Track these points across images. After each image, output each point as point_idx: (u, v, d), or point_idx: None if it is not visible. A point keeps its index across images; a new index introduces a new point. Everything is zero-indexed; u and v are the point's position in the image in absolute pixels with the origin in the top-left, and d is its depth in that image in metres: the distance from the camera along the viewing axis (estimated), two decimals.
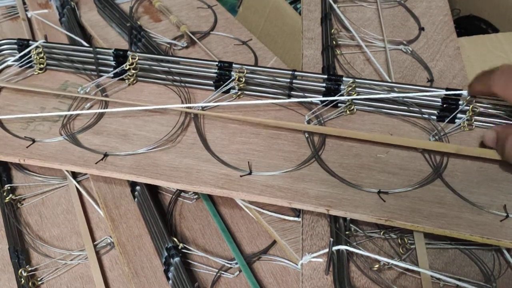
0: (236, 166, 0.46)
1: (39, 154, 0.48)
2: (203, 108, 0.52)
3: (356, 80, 0.51)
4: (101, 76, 0.56)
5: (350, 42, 0.64)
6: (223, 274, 0.47)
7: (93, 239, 0.50)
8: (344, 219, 0.44)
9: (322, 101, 0.52)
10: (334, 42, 0.62)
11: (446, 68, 0.60)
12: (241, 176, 0.45)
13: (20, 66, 0.58)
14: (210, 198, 0.52)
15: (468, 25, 0.89)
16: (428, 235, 0.43)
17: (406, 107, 0.51)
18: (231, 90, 0.54)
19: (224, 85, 0.53)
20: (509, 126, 0.46)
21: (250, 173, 0.45)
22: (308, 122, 0.50)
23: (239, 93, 0.54)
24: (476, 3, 0.89)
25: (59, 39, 0.70)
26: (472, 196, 0.43)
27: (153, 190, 0.52)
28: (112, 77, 0.56)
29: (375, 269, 0.42)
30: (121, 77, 0.56)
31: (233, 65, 0.53)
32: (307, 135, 0.49)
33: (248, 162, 0.46)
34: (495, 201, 0.43)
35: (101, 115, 0.52)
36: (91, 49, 0.56)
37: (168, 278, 0.44)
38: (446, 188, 0.44)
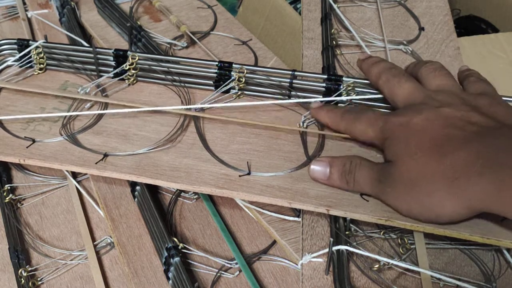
0: (236, 166, 0.46)
1: (39, 154, 0.48)
2: (203, 109, 0.52)
3: (356, 80, 0.51)
4: (101, 76, 0.56)
5: (350, 42, 0.64)
6: (223, 274, 0.47)
7: (93, 239, 0.50)
8: (344, 219, 0.44)
9: (321, 102, 0.52)
10: (334, 42, 0.62)
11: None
12: (239, 176, 0.45)
13: (20, 66, 0.58)
14: (210, 198, 0.52)
15: (468, 25, 0.89)
16: (428, 235, 0.43)
17: None
18: (231, 90, 0.54)
19: (224, 85, 0.53)
20: (333, 159, 0.44)
21: (249, 173, 0.45)
22: (304, 122, 0.50)
23: (239, 93, 0.54)
24: (476, 3, 0.90)
25: (59, 39, 0.70)
26: None
27: (153, 190, 0.52)
28: (112, 77, 0.56)
29: (375, 269, 0.42)
30: (121, 77, 0.56)
31: (233, 65, 0.53)
32: (304, 136, 0.49)
33: (247, 162, 0.46)
34: None
35: (101, 115, 0.52)
36: (91, 49, 0.56)
37: (168, 278, 0.44)
38: None
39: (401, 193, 0.39)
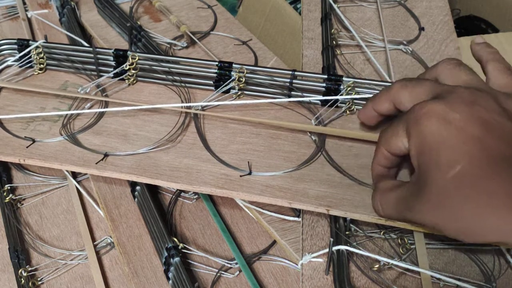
0: (236, 166, 0.46)
1: (39, 154, 0.48)
2: (203, 108, 0.52)
3: (356, 80, 0.51)
4: (101, 76, 0.56)
5: (350, 42, 0.64)
6: (223, 274, 0.47)
7: (93, 239, 0.50)
8: (344, 219, 0.44)
9: (322, 101, 0.52)
10: (334, 42, 0.62)
11: None
12: (241, 176, 0.45)
13: (20, 66, 0.58)
14: (210, 198, 0.52)
15: (468, 25, 0.89)
16: (428, 235, 0.43)
17: None
18: (231, 90, 0.54)
19: (224, 85, 0.53)
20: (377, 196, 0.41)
21: (250, 173, 0.45)
22: (317, 124, 0.50)
23: (239, 93, 0.54)
24: (476, 3, 0.90)
25: (59, 39, 0.70)
26: None
27: (153, 190, 0.52)
28: (112, 77, 0.56)
29: (375, 269, 0.42)
30: (121, 77, 0.56)
31: (233, 65, 0.53)
32: (314, 138, 0.49)
33: (248, 162, 0.46)
34: None
35: (101, 115, 0.52)
36: (91, 49, 0.56)
37: (168, 278, 0.44)
38: None
39: (435, 207, 0.34)
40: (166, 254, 0.45)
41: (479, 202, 0.32)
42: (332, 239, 0.41)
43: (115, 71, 0.56)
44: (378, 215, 0.41)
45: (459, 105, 0.34)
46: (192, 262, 0.47)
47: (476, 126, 0.33)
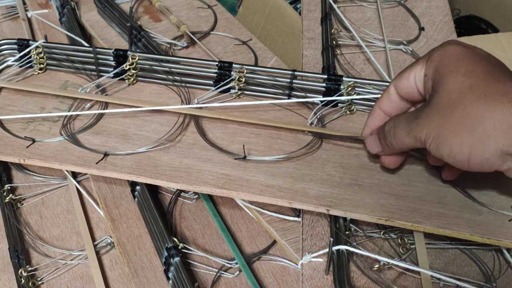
0: (236, 165, 0.46)
1: (39, 154, 0.48)
2: (201, 108, 0.52)
3: (356, 80, 0.51)
4: (101, 76, 0.56)
5: (350, 42, 0.64)
6: (223, 274, 0.47)
7: (93, 239, 0.50)
8: (344, 219, 0.44)
9: (322, 101, 0.52)
10: (334, 42, 0.62)
11: None
12: (235, 159, 0.46)
13: (20, 66, 0.58)
14: (210, 198, 0.52)
15: (468, 25, 0.89)
16: (428, 235, 0.43)
17: None
18: (231, 90, 0.54)
19: (223, 83, 0.53)
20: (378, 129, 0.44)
21: (244, 158, 0.46)
22: (311, 123, 0.50)
23: (239, 93, 0.54)
24: (476, 3, 0.90)
25: (59, 39, 0.70)
26: (473, 195, 0.43)
27: (153, 190, 0.52)
28: (112, 77, 0.56)
29: (375, 269, 0.42)
30: (121, 77, 0.56)
31: (233, 65, 0.53)
32: (309, 134, 0.49)
33: (243, 146, 0.47)
34: (495, 201, 0.43)
35: (101, 115, 0.52)
36: (91, 49, 0.56)
37: (168, 278, 0.44)
38: (446, 187, 0.44)
39: (438, 120, 0.36)
40: (166, 254, 0.45)
41: (487, 105, 0.34)
42: (332, 239, 0.41)
43: (115, 71, 0.56)
44: (387, 143, 0.42)
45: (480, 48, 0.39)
46: (192, 262, 0.47)
47: (494, 59, 0.38)
